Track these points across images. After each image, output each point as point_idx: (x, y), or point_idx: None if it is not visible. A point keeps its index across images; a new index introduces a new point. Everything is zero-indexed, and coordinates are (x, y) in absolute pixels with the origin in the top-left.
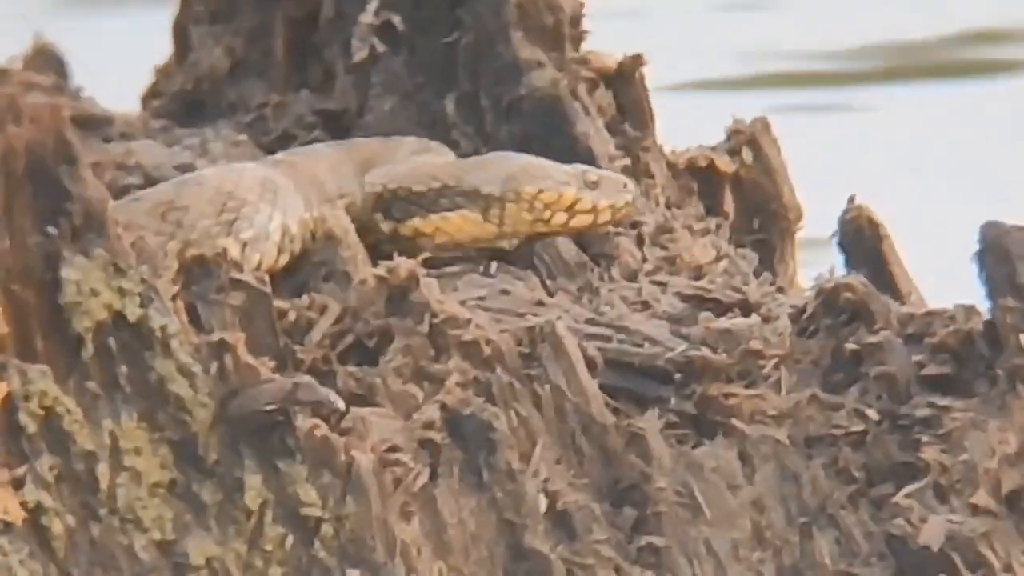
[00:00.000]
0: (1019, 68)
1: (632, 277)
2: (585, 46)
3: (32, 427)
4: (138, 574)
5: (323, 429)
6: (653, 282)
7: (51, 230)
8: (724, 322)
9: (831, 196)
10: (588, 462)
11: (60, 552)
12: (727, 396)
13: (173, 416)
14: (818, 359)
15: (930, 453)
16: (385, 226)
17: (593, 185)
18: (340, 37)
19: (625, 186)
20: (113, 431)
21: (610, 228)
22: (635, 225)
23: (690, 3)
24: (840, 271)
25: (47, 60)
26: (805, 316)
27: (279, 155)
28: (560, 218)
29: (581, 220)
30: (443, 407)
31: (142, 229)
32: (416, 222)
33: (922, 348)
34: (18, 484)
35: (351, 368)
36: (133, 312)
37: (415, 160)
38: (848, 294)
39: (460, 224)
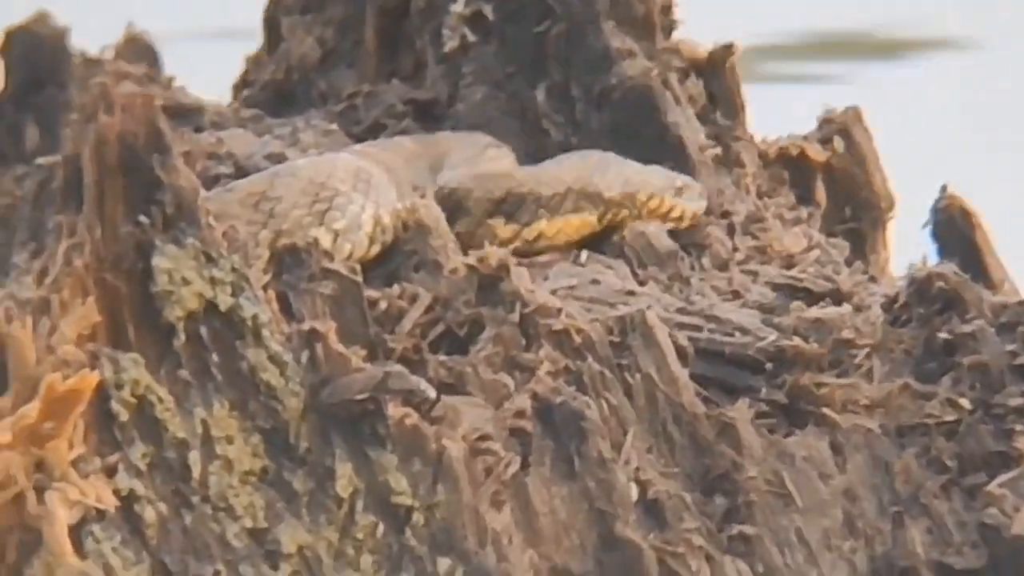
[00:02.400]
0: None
1: (723, 266)
2: (676, 35)
3: (124, 415)
4: (230, 561)
5: (414, 418)
6: (744, 271)
7: (143, 219)
8: (815, 311)
9: None
10: (679, 451)
11: (153, 540)
12: (818, 385)
13: (264, 405)
14: (910, 348)
15: (1023, 443)
16: (506, 230)
17: (679, 192)
18: (431, 27)
19: (702, 193)
20: (205, 419)
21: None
22: (726, 215)
23: None
24: (933, 260)
25: (138, 50)
26: (897, 305)
27: (360, 145)
28: (654, 223)
29: (667, 225)
30: (534, 396)
31: (234, 219)
32: (542, 224)
33: (1015, 337)
34: (111, 472)
35: (442, 357)
36: (224, 301)
37: (489, 159)
38: (941, 283)
39: (578, 226)
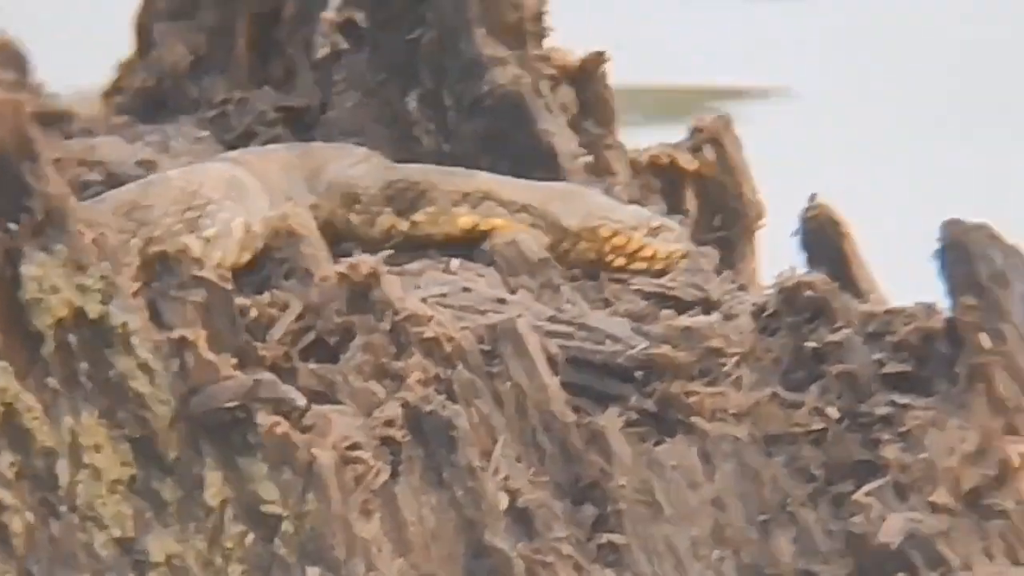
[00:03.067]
0: None
1: (594, 275)
2: (548, 42)
3: None
4: (98, 571)
5: (284, 426)
6: (614, 280)
7: (11, 226)
8: (685, 320)
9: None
10: (549, 460)
11: (19, 549)
12: (688, 394)
13: (133, 413)
14: (779, 357)
15: (890, 451)
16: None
17: (654, 232)
18: (302, 34)
19: (679, 236)
20: (73, 428)
21: None
22: None
23: None
24: (801, 269)
25: (8, 56)
26: (766, 314)
27: (234, 153)
28: (620, 261)
29: (637, 265)
30: (404, 404)
31: (105, 226)
32: (476, 219)
33: (883, 346)
34: None
35: (312, 365)
36: (94, 309)
37: (360, 168)
38: (809, 292)
39: (527, 232)
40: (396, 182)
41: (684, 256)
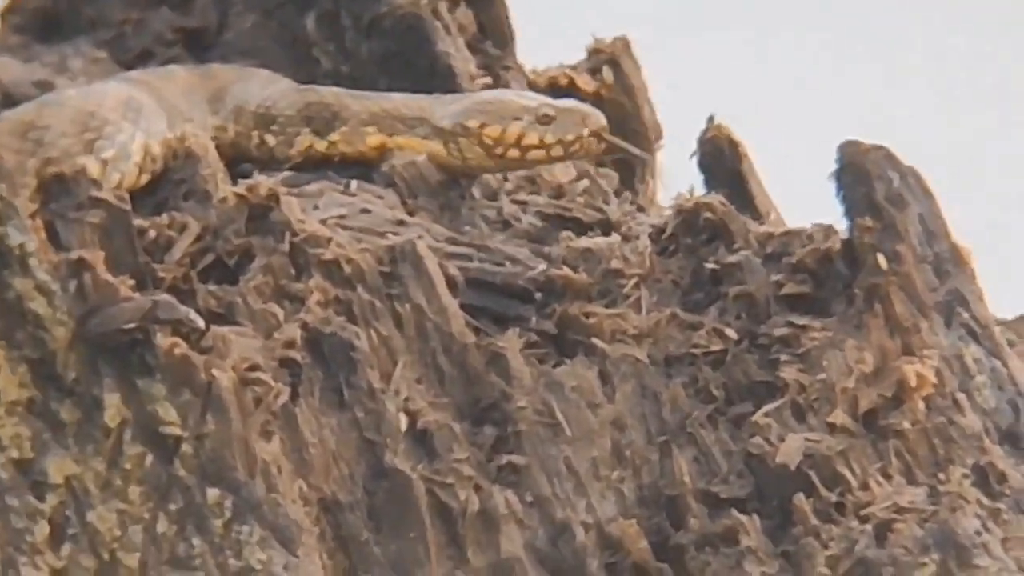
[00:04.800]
0: None
1: (493, 196)
2: None
3: None
4: None
5: (183, 348)
6: (514, 201)
7: None
8: (584, 241)
9: None
10: (449, 381)
11: None
12: (587, 315)
13: (31, 335)
14: (678, 278)
15: (788, 372)
16: (328, 138)
17: (546, 119)
18: None
19: (585, 119)
20: None
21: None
22: None
23: None
24: (700, 190)
25: None
26: (665, 235)
27: (133, 73)
28: (514, 153)
29: (535, 155)
30: (304, 326)
31: (1, 148)
32: (383, 138)
33: (781, 267)
34: None
35: (211, 287)
36: None
37: (273, 89)
38: (707, 214)
39: (428, 150)
40: (313, 104)
41: (593, 138)
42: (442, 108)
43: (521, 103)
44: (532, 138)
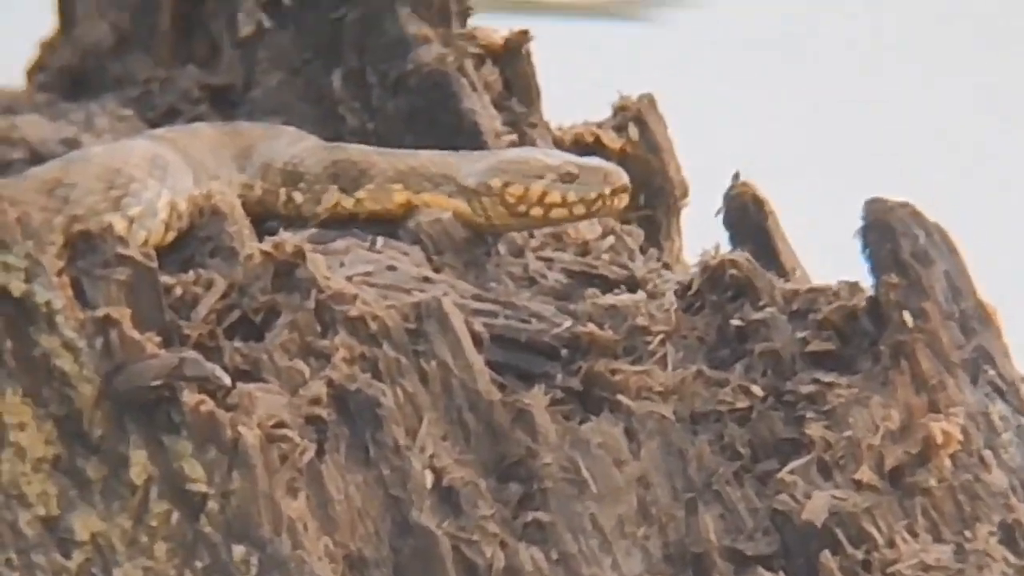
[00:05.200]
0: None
1: (518, 253)
2: (471, 21)
3: None
4: (22, 550)
5: (209, 405)
6: (539, 258)
7: None
8: (610, 298)
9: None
10: (474, 438)
11: None
12: (613, 372)
13: (58, 391)
14: (703, 335)
15: (814, 429)
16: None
17: (569, 178)
18: (226, 11)
19: (607, 177)
20: None
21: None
22: None
23: None
24: (725, 247)
25: None
26: (690, 292)
27: (159, 131)
28: (536, 211)
29: (558, 213)
30: (329, 383)
31: (28, 205)
32: (409, 195)
33: (806, 324)
34: None
35: (237, 344)
36: (18, 287)
37: (300, 147)
38: (733, 270)
39: (454, 208)
40: (340, 161)
41: (615, 197)
42: (468, 166)
43: (545, 162)
44: (555, 196)
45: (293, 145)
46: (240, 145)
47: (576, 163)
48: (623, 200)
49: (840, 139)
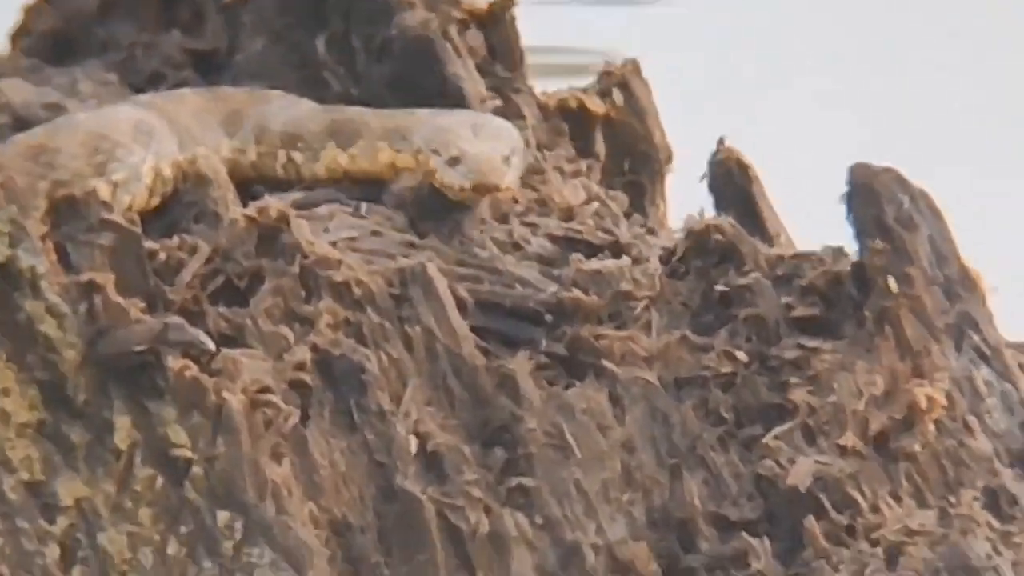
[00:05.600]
0: None
1: (503, 218)
2: None
3: None
4: (7, 515)
5: (193, 370)
6: (524, 223)
7: None
8: (595, 264)
9: None
10: (459, 403)
11: None
12: (597, 337)
13: (42, 357)
14: (688, 301)
15: (799, 395)
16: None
17: (452, 161)
18: None
19: (486, 170)
20: None
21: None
22: None
23: None
24: (710, 212)
25: None
26: (675, 258)
27: (144, 96)
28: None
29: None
30: (314, 348)
31: (12, 170)
32: (392, 154)
33: (791, 290)
34: None
35: (221, 309)
36: (1, 252)
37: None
38: (717, 235)
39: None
40: (337, 120)
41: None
42: (425, 126)
43: (447, 132)
44: (437, 176)
45: (291, 108)
46: (226, 110)
47: (455, 142)
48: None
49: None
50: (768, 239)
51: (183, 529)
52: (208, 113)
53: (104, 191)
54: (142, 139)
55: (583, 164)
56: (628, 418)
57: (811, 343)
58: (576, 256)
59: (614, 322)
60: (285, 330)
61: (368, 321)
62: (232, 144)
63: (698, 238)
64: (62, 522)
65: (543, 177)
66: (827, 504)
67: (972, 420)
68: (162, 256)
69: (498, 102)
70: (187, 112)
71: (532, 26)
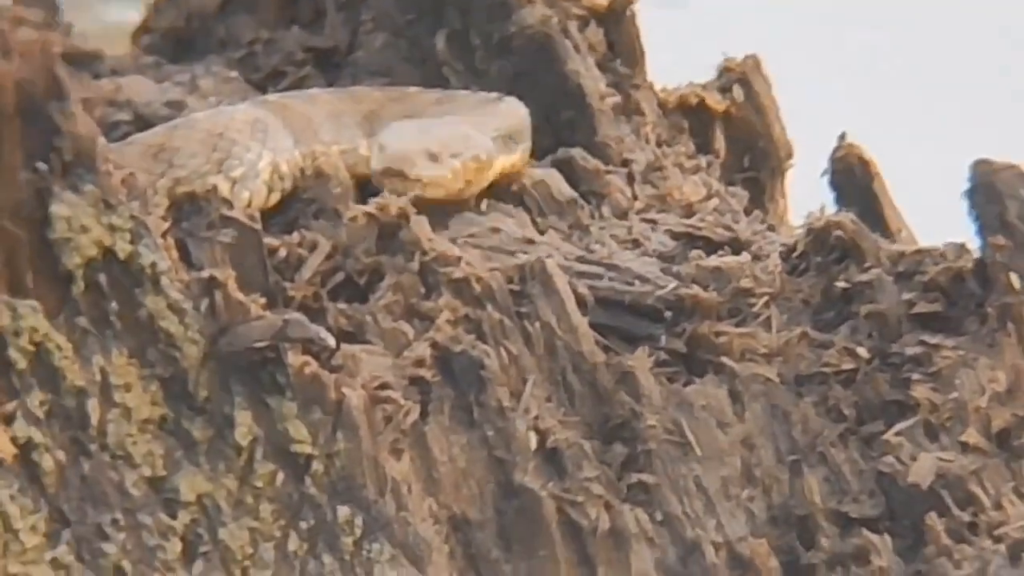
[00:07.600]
0: None
1: (623, 215)
2: None
3: (22, 363)
4: (129, 510)
5: (313, 366)
6: (644, 220)
7: (41, 166)
8: (714, 260)
9: None
10: (578, 400)
11: (51, 488)
12: (717, 334)
13: (163, 353)
14: (808, 297)
15: (920, 391)
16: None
17: (433, 157)
18: None
19: (453, 170)
20: (103, 367)
21: (600, 167)
22: (625, 163)
23: None
24: (831, 209)
25: None
26: (795, 254)
27: (272, 96)
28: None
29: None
30: (433, 344)
31: (133, 168)
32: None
33: (912, 286)
34: (8, 420)
35: (341, 305)
36: (123, 249)
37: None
38: (838, 232)
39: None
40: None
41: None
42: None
43: (442, 134)
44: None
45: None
46: (364, 110)
47: (433, 142)
48: None
49: (947, 100)
50: (889, 235)
51: (303, 525)
52: (344, 114)
53: (223, 188)
54: (259, 136)
55: (703, 160)
56: (748, 415)
57: (933, 339)
58: (696, 252)
59: (734, 319)
60: (405, 326)
61: (488, 317)
62: (369, 143)
63: (819, 234)
64: (184, 517)
65: (663, 173)
66: (949, 501)
67: None
68: (282, 252)
69: (618, 99)
70: (319, 112)
71: None
